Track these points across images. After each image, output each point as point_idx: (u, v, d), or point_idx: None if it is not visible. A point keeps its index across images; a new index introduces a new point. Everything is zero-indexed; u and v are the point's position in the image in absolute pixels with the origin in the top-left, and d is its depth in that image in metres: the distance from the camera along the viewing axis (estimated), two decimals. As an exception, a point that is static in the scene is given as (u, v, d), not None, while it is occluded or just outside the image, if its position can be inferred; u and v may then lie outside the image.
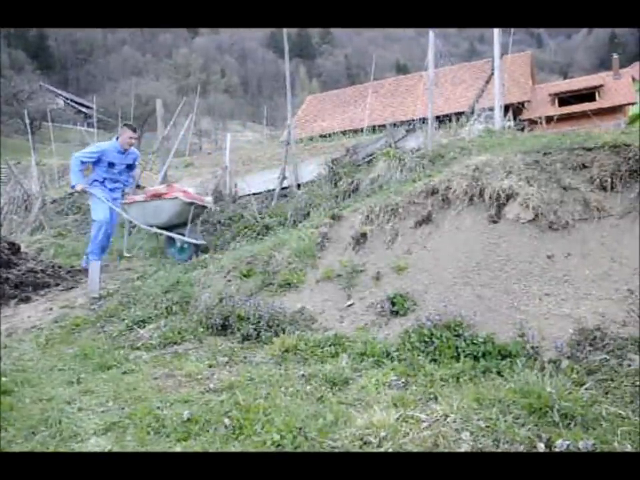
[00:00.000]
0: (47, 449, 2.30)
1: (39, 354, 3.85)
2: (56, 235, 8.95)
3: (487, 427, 2.20)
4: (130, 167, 6.61)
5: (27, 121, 16.92)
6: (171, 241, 6.35)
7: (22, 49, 51.44)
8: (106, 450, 2.28)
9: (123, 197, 6.60)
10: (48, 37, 60.47)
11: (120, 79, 50.37)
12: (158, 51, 73.33)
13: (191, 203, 6.25)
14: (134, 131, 6.68)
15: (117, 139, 6.45)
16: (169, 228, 6.26)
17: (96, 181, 6.29)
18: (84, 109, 45.92)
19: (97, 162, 6.29)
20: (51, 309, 4.91)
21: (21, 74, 42.21)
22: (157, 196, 6.29)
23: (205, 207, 6.66)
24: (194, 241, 6.19)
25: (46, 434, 2.45)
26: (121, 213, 6.37)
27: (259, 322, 3.77)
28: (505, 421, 2.22)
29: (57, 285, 5.67)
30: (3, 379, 3.18)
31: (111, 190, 6.37)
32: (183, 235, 6.20)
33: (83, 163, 6.24)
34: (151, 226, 6.28)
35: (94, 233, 6.19)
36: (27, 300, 5.21)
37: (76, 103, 49.19)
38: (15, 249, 6.12)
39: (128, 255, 6.51)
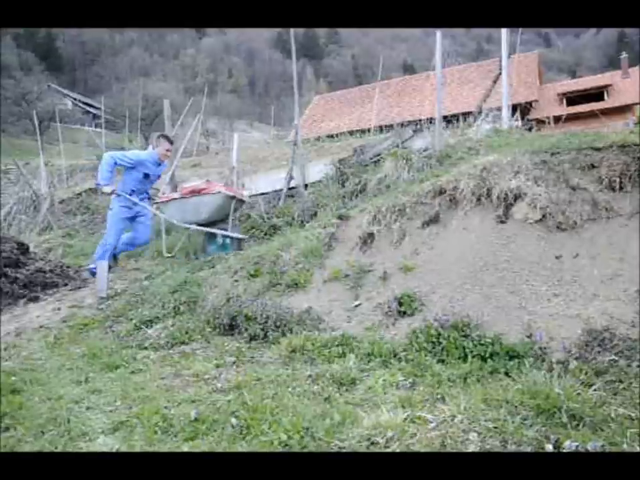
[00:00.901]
0: (56, 448, 2.31)
1: (47, 353, 3.87)
2: (64, 235, 8.99)
3: (495, 427, 2.20)
4: (157, 177, 6.40)
5: (36, 122, 17.01)
6: (212, 237, 6.07)
7: (31, 50, 51.67)
8: (114, 449, 2.29)
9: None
10: (56, 38, 60.77)
11: (128, 79, 50.57)
12: (165, 52, 73.59)
13: (233, 197, 6.12)
14: (171, 143, 6.29)
15: (153, 148, 6.16)
16: (205, 226, 6.06)
17: (129, 192, 5.94)
18: (92, 110, 46.16)
19: (130, 170, 5.97)
20: (59, 309, 4.94)
21: (30, 75, 42.43)
22: (197, 192, 6.07)
23: (243, 202, 6.52)
24: (237, 235, 6.06)
25: (54, 433, 2.46)
26: (157, 214, 6.15)
27: (266, 322, 3.78)
28: (513, 422, 2.21)
29: (65, 284, 5.70)
30: (12, 378, 3.21)
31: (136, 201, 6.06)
32: (225, 230, 6.01)
33: (115, 164, 5.87)
34: (190, 224, 6.01)
35: (99, 252, 5.93)
36: (35, 299, 5.24)
37: (84, 103, 49.47)
38: (23, 248, 6.15)
39: (168, 254, 6.09)
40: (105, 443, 2.34)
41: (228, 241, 6.00)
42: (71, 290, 5.56)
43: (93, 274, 5.82)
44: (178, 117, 10.83)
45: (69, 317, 4.69)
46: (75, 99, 49.41)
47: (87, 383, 3.14)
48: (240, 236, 6.09)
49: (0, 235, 6.35)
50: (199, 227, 6.07)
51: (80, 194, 11.29)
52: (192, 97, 12.93)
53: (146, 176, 6.05)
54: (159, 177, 6.41)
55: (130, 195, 5.94)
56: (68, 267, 6.26)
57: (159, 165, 6.18)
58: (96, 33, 61.61)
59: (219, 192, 6.01)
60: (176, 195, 6.35)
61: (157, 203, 6.31)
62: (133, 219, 6.10)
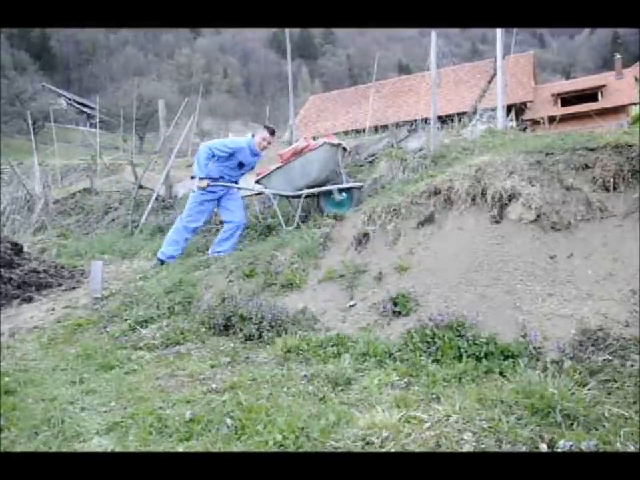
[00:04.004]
0: (50, 449, 2.31)
1: (41, 354, 3.86)
2: (58, 235, 8.97)
3: (490, 427, 2.20)
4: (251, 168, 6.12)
5: (30, 122, 16.97)
6: (327, 196, 5.73)
7: (25, 50, 51.50)
8: (108, 450, 2.28)
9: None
10: (51, 38, 60.56)
11: (122, 79, 50.41)
12: (160, 52, 73.46)
13: (338, 145, 5.75)
14: (272, 134, 5.98)
15: (253, 136, 5.95)
16: (316, 186, 5.69)
17: (213, 178, 5.78)
18: (86, 110, 46.08)
19: (224, 158, 5.79)
20: (53, 309, 4.92)
21: (24, 74, 42.34)
22: (299, 152, 5.70)
23: (347, 150, 6.18)
24: (354, 184, 5.66)
25: (49, 434, 2.45)
26: (261, 191, 5.86)
27: (261, 322, 3.77)
28: (508, 422, 2.22)
29: (60, 285, 5.68)
30: (6, 378, 3.19)
31: (223, 191, 5.91)
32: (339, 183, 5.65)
33: (214, 156, 5.71)
34: (300, 189, 5.66)
35: (172, 230, 5.87)
36: (29, 300, 5.23)
37: (78, 103, 49.36)
38: (17, 249, 6.13)
39: (289, 228, 5.62)
40: (99, 444, 2.34)
41: (344, 195, 5.67)
42: (65, 290, 5.54)
43: (162, 262, 5.75)
44: (173, 117, 10.79)
45: (63, 317, 4.68)
46: (69, 99, 49.28)
47: (82, 384, 3.13)
48: (357, 184, 5.66)
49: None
50: (311, 190, 5.69)
51: (74, 194, 11.25)
52: (187, 97, 12.89)
53: (240, 165, 5.89)
54: (252, 167, 6.11)
55: (216, 180, 5.78)
56: (62, 268, 6.24)
57: (255, 154, 5.94)
58: (90, 33, 61.41)
59: (324, 143, 5.64)
60: (275, 166, 5.90)
61: (258, 180, 5.92)
62: (217, 201, 5.93)
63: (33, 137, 14.57)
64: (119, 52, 67.38)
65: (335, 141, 5.82)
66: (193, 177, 5.97)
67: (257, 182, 5.95)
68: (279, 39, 62.82)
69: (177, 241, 5.88)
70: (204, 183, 5.68)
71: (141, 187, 9.47)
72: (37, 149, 13.91)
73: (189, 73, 63.66)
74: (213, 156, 5.71)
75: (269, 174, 5.80)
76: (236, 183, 6.00)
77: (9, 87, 37.85)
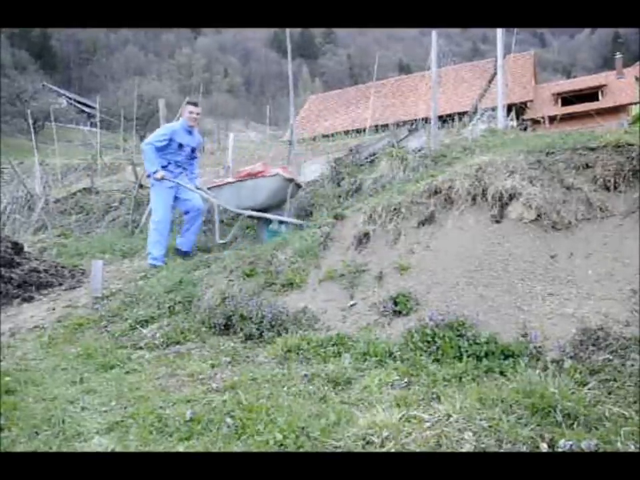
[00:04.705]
0: (50, 449, 2.31)
1: (42, 353, 3.86)
2: (59, 235, 8.96)
3: (490, 426, 2.20)
4: (192, 150, 6.29)
5: (30, 121, 16.97)
6: (267, 223, 5.90)
7: (25, 49, 51.49)
8: (109, 449, 2.28)
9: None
10: (51, 37, 60.58)
11: (123, 78, 50.41)
12: (161, 51, 73.50)
13: (291, 180, 5.93)
14: (195, 105, 6.26)
15: (180, 118, 6.21)
16: (261, 211, 5.86)
17: (165, 164, 5.99)
18: (87, 109, 46.05)
19: (167, 145, 6.00)
20: (53, 309, 4.92)
21: (24, 74, 42.30)
22: (253, 175, 5.91)
23: (300, 186, 6.32)
24: (295, 221, 5.76)
25: (49, 433, 2.45)
26: (209, 198, 6.02)
27: (261, 322, 3.78)
28: (508, 421, 2.21)
29: (60, 284, 5.68)
30: (7, 378, 3.19)
31: (174, 176, 6.05)
32: (281, 215, 5.84)
33: (157, 149, 5.93)
34: (246, 209, 5.84)
35: (149, 234, 6.03)
36: (30, 299, 5.22)
37: (79, 102, 49.32)
38: (18, 248, 6.13)
39: (221, 241, 5.94)
40: (99, 443, 2.34)
41: (284, 227, 5.78)
42: (65, 290, 5.54)
43: (154, 266, 5.81)
44: (173, 117, 10.78)
45: (63, 316, 4.68)
46: (69, 98, 49.25)
47: (82, 383, 3.13)
48: (297, 222, 5.76)
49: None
50: (254, 213, 5.86)
51: (75, 193, 11.23)
52: (187, 96, 12.89)
53: (180, 146, 6.06)
54: (193, 149, 6.29)
55: (165, 167, 5.97)
56: (62, 267, 6.23)
57: (190, 132, 6.16)
58: (91, 32, 61.41)
59: (277, 174, 5.81)
60: (231, 179, 6.17)
61: (211, 187, 6.15)
62: (175, 196, 6.09)
63: (33, 137, 14.57)
64: (120, 51, 67.41)
65: (289, 175, 5.99)
66: (148, 176, 6.16)
67: (209, 189, 6.14)
68: (279, 38, 62.88)
69: (159, 240, 5.97)
70: (159, 174, 5.86)
71: (141, 186, 9.45)
72: (37, 148, 13.91)
73: (189, 72, 63.65)
74: (156, 149, 5.92)
75: (221, 185, 6.06)
76: (183, 168, 6.18)
77: (9, 86, 37.84)
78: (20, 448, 2.32)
